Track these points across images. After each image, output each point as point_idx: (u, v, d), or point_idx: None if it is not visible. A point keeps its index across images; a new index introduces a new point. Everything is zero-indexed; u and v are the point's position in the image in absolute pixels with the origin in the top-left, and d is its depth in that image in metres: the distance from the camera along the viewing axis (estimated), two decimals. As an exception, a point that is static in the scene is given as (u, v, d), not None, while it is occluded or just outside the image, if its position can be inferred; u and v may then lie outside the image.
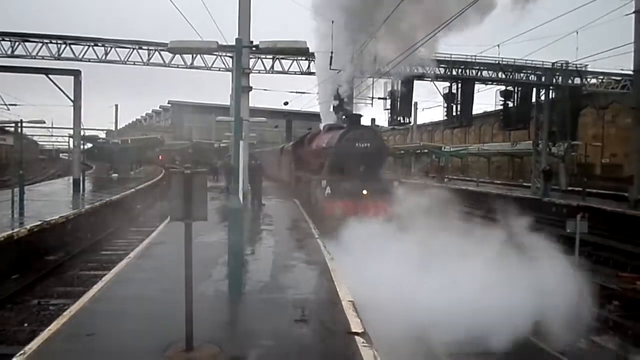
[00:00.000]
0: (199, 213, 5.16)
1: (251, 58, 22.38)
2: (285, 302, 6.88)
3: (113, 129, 56.58)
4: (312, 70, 30.01)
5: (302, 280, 8.20)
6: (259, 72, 29.29)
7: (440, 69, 28.87)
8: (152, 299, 6.90)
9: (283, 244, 11.49)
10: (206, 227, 12.03)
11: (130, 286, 7.53)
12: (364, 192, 14.25)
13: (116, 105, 53.75)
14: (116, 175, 37.66)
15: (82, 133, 28.67)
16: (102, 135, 58.08)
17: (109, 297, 6.97)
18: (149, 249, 10.46)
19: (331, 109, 21.59)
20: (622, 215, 22.26)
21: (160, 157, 63.25)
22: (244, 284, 7.56)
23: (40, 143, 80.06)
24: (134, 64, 28.56)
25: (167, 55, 27.74)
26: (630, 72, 26.24)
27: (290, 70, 29.84)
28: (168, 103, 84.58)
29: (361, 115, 17.40)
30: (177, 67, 29.00)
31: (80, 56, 27.40)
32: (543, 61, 30.16)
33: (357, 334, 5.64)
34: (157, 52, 28.16)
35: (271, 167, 32.10)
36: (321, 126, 22.17)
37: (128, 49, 28.20)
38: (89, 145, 48.59)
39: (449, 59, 28.36)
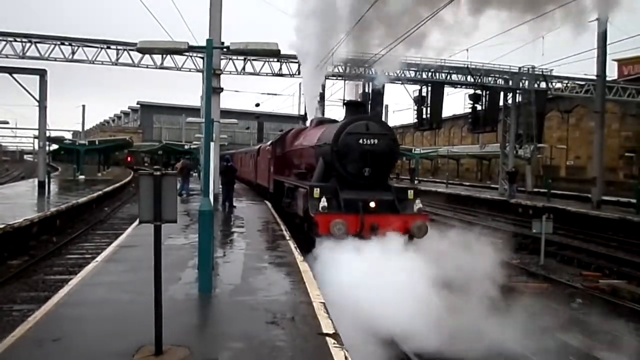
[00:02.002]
0: (169, 215, 5.11)
1: (222, 59, 22.33)
2: (256, 304, 6.85)
3: (80, 130, 55.41)
4: (283, 72, 30.04)
5: (273, 282, 8.18)
6: (230, 73, 29.18)
7: (411, 72, 29.26)
8: (121, 302, 6.79)
9: (254, 245, 11.44)
10: (176, 229, 11.95)
11: (98, 290, 7.39)
12: (372, 204, 11.09)
13: (83, 106, 52.65)
14: (83, 177, 36.91)
15: (47, 134, 28.01)
16: (69, 136, 56.87)
17: (76, 301, 6.83)
18: (118, 252, 10.27)
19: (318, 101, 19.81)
20: (585, 215, 22.94)
21: (128, 159, 62.24)
22: (214, 287, 7.51)
23: (3, 144, 77.91)
24: (102, 64, 28.08)
25: (136, 55, 27.37)
26: (594, 77, 27.05)
27: (262, 71, 29.80)
28: (137, 104, 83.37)
29: (363, 103, 14.08)
30: (147, 68, 28.65)
31: (46, 55, 26.79)
32: (510, 65, 30.89)
33: (328, 335, 5.67)
34: (126, 52, 27.74)
35: (247, 171, 29.83)
36: (308, 122, 19.61)
37: (96, 49, 27.71)
38: (55, 146, 47.51)
39: (419, 62, 28.73)
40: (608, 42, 24.51)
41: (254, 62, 29.44)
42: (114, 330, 5.76)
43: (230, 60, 28.49)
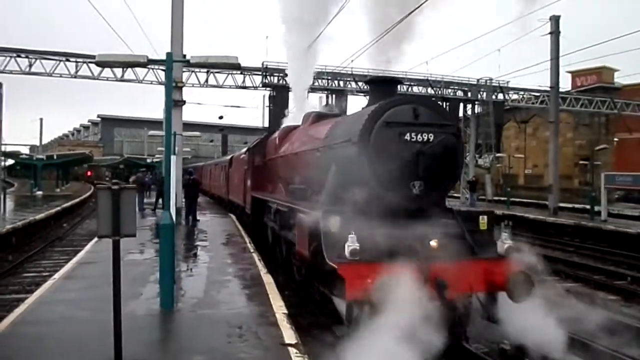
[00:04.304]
0: (128, 229, 5.07)
1: (184, 71, 22.21)
2: (219, 317, 6.84)
3: (37, 144, 53.85)
4: (247, 85, 30.08)
5: (237, 294, 8.17)
6: (193, 86, 29.04)
7: (359, 84, 29.84)
8: (79, 320, 6.66)
9: (217, 259, 11.37)
10: (137, 244, 11.78)
11: (55, 308, 7.22)
12: (433, 243, 6.86)
13: (41, 119, 51.15)
14: (40, 193, 35.84)
15: (3, 148, 27.16)
16: (25, 150, 55.16)
17: (32, 320, 6.65)
18: (76, 269, 10.04)
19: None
20: (543, 222, 23.67)
21: (88, 173, 60.80)
22: (176, 301, 7.45)
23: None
24: (61, 77, 27.54)
25: (96, 68, 26.94)
26: (548, 88, 28.08)
27: (225, 84, 29.77)
28: (98, 117, 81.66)
29: (397, 80, 9.48)
30: (107, 80, 28.24)
31: (2, 68, 26.09)
32: (469, 77, 31.79)
33: (290, 345, 5.71)
34: (85, 65, 27.28)
35: (217, 185, 26.52)
36: (288, 120, 16.30)
37: (54, 61, 27.16)
38: (11, 161, 46.04)
39: (380, 73, 29.23)
40: (561, 54, 25.49)
41: (217, 75, 29.40)
42: (72, 348, 5.65)
43: (193, 73, 28.37)
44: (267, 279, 9.15)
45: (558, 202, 26.10)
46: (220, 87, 29.74)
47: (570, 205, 28.26)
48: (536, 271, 6.95)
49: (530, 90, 33.25)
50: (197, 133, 21.95)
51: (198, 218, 18.40)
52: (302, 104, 17.29)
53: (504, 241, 7.09)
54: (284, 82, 29.27)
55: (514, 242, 7.14)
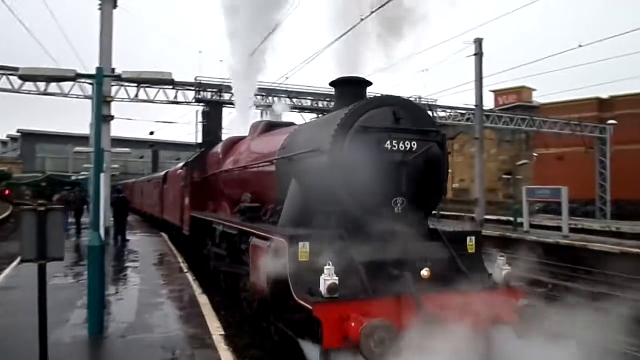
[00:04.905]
0: (55, 252, 4.82)
1: (113, 85, 21.43)
2: (152, 341, 6.58)
3: (-53, 160, 50.07)
4: (179, 99, 29.47)
5: (171, 317, 7.91)
6: (122, 100, 28.07)
7: (308, 99, 30.16)
8: (-2, 351, 6.20)
9: (150, 280, 10.97)
10: (63, 267, 11.16)
11: (-30, 339, 6.68)
12: (424, 272, 5.88)
13: (-48, 134, 47.67)
14: (-50, 213, 33.21)
15: None
16: None
17: (-57, 353, 6.13)
18: (-6, 295, 9.37)
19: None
20: (470, 235, 24.61)
21: (6, 192, 57.04)
22: (105, 327, 7.11)
23: None
24: (-25, 89, 25.82)
25: (17, 80, 25.47)
26: (473, 107, 29.42)
27: (156, 98, 29.02)
28: (17, 132, 77.00)
29: (367, 81, 7.67)
30: (29, 93, 26.74)
31: None
32: (399, 96, 32.82)
33: (228, 367, 5.59)
34: (5, 77, 25.76)
35: (150, 203, 24.92)
36: (235, 131, 14.40)
37: (-33, 73, 25.45)
38: None
39: (304, 90, 29.67)
40: (485, 75, 26.86)
41: (147, 89, 28.61)
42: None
43: (123, 87, 27.45)
44: (203, 300, 8.94)
45: (484, 215, 27.28)
46: (151, 101, 28.93)
47: (495, 217, 29.61)
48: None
49: (457, 108, 34.74)
50: (127, 149, 21.10)
51: (128, 238, 17.73)
52: (247, 114, 16.14)
53: (502, 267, 6.28)
54: (218, 97, 28.98)
55: (510, 266, 6.41)
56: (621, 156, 38.36)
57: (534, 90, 45.84)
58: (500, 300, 5.70)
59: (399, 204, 6.36)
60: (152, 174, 33.48)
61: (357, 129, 6.31)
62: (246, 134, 11.90)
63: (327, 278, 5.13)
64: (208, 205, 13.08)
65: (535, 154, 42.64)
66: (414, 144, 6.46)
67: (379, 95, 6.78)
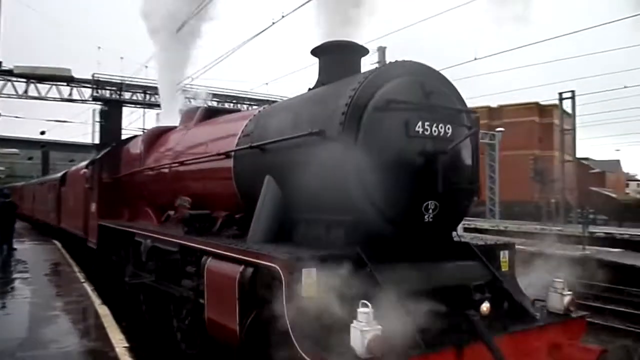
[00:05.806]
0: None
1: (-1, 80, 19.68)
2: (47, 358, 6.11)
3: None
4: (74, 97, 27.67)
5: (68, 331, 7.38)
6: (9, 97, 25.80)
7: (214, 101, 29.64)
8: None
9: (42, 292, 10.17)
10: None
11: None
12: (484, 307, 4.20)
13: None
14: None
15: None
16: None
17: None
18: None
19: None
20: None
21: None
22: (-7, 345, 6.49)
23: None
24: None
25: None
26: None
27: (49, 95, 26.99)
28: None
29: (365, 48, 5.96)
30: None
31: None
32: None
33: (134, 382, 5.32)
34: None
35: (43, 210, 22.28)
36: (166, 119, 12.76)
37: None
38: None
39: (222, 92, 29.27)
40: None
41: (38, 85, 26.56)
42: None
43: (10, 82, 25.26)
44: (103, 311, 8.44)
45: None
46: (43, 99, 26.84)
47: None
48: None
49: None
50: (15, 150, 19.43)
51: (15, 247, 16.33)
52: (173, 102, 13.82)
53: (562, 292, 4.62)
54: (117, 96, 27.60)
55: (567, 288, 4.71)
56: (508, 161, 41.69)
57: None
58: (570, 338, 4.44)
59: (430, 210, 4.63)
60: (43, 176, 31.03)
61: (376, 105, 4.50)
62: (175, 125, 10.06)
63: (366, 328, 3.30)
64: (123, 212, 10.73)
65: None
66: (448, 129, 4.73)
67: (395, 61, 4.98)
